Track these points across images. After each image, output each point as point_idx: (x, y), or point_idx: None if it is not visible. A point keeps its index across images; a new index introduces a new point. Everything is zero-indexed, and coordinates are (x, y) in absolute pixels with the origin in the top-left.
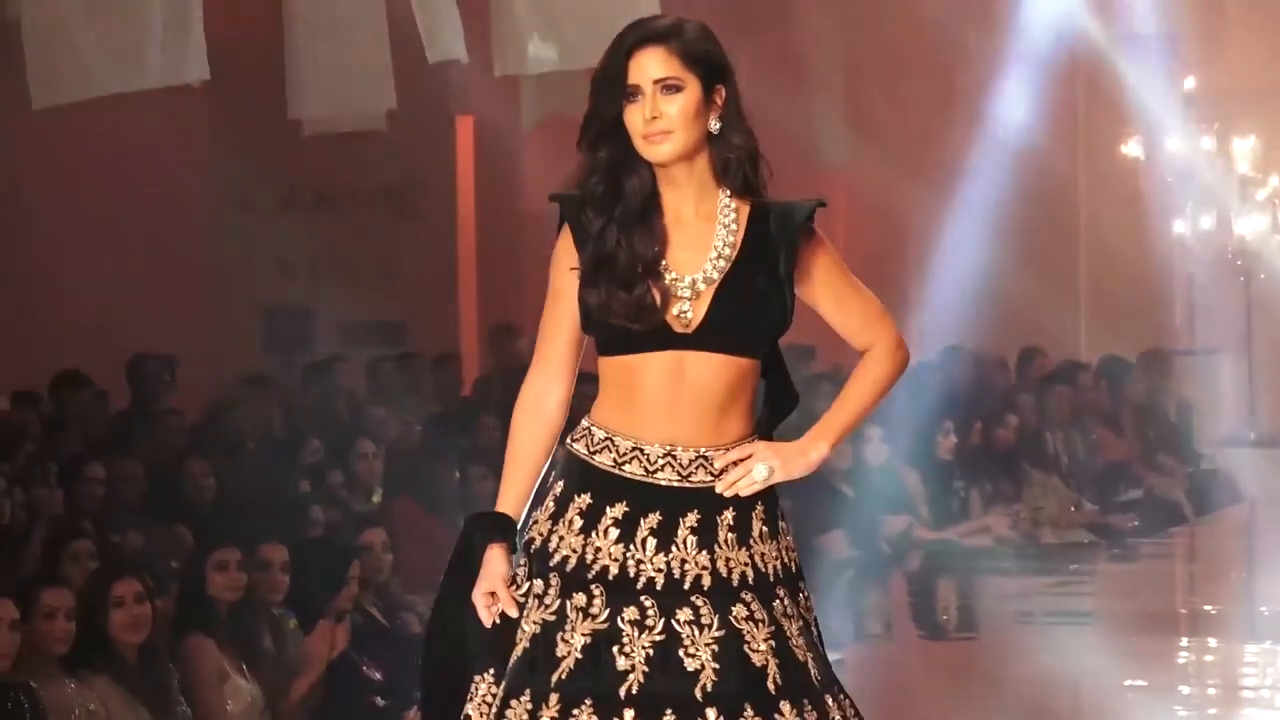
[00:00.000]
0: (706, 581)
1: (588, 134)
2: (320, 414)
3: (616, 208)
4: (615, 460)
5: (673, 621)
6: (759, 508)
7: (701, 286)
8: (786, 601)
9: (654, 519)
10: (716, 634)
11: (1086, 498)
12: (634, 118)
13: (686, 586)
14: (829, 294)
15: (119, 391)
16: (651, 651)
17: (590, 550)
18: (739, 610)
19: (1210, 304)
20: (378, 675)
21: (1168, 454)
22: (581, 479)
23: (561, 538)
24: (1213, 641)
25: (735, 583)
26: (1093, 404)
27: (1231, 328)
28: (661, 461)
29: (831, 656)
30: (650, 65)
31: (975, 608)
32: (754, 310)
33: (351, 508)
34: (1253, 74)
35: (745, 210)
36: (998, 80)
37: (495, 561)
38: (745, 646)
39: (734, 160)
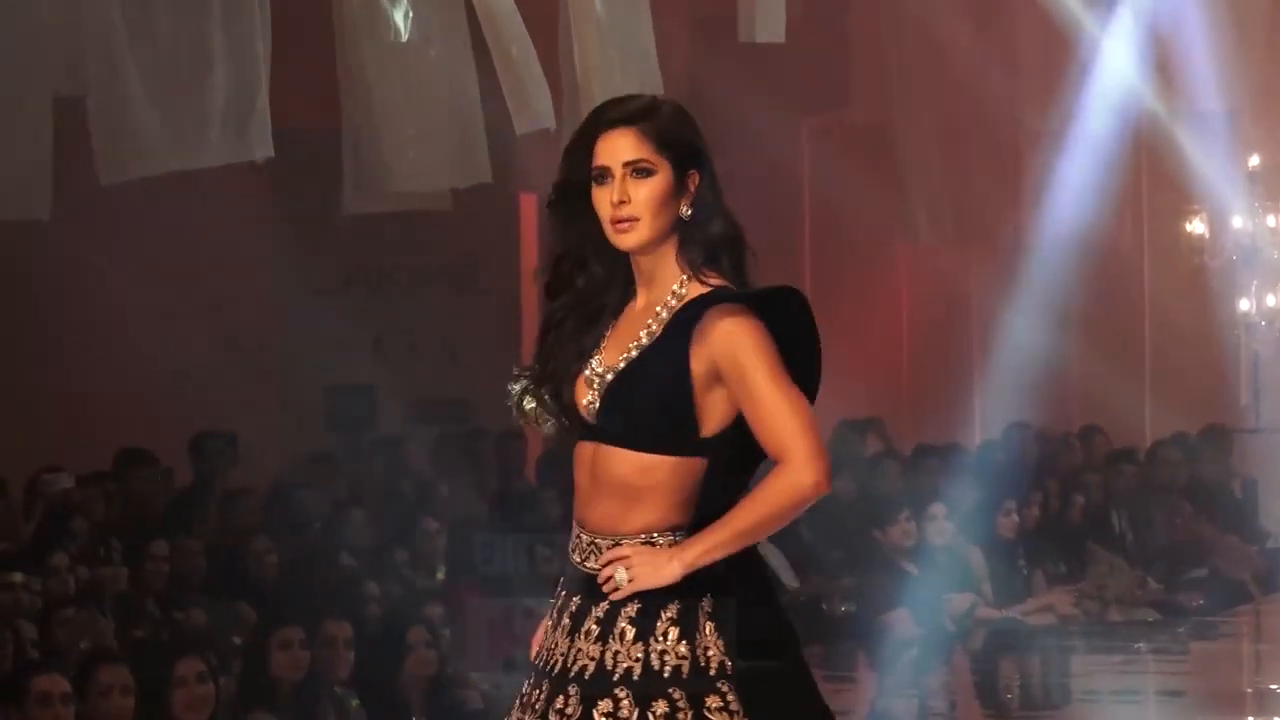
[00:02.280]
0: (556, 668)
1: (559, 210)
2: (384, 492)
3: (575, 307)
4: (569, 543)
5: (550, 710)
6: (629, 606)
7: (609, 378)
8: (626, 704)
9: (563, 599)
10: None
11: (1152, 576)
12: (602, 201)
13: (546, 669)
14: (739, 393)
15: (183, 470)
16: None
17: (547, 640)
18: (559, 702)
19: (1276, 382)
20: None
21: (1233, 532)
22: (562, 567)
23: (548, 630)
24: None
25: (571, 674)
26: (1158, 482)
27: None
28: (575, 543)
29: None
30: (620, 147)
31: (1040, 686)
32: (642, 403)
33: (414, 585)
34: None
35: (692, 296)
36: (1061, 158)
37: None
38: None
39: (696, 246)
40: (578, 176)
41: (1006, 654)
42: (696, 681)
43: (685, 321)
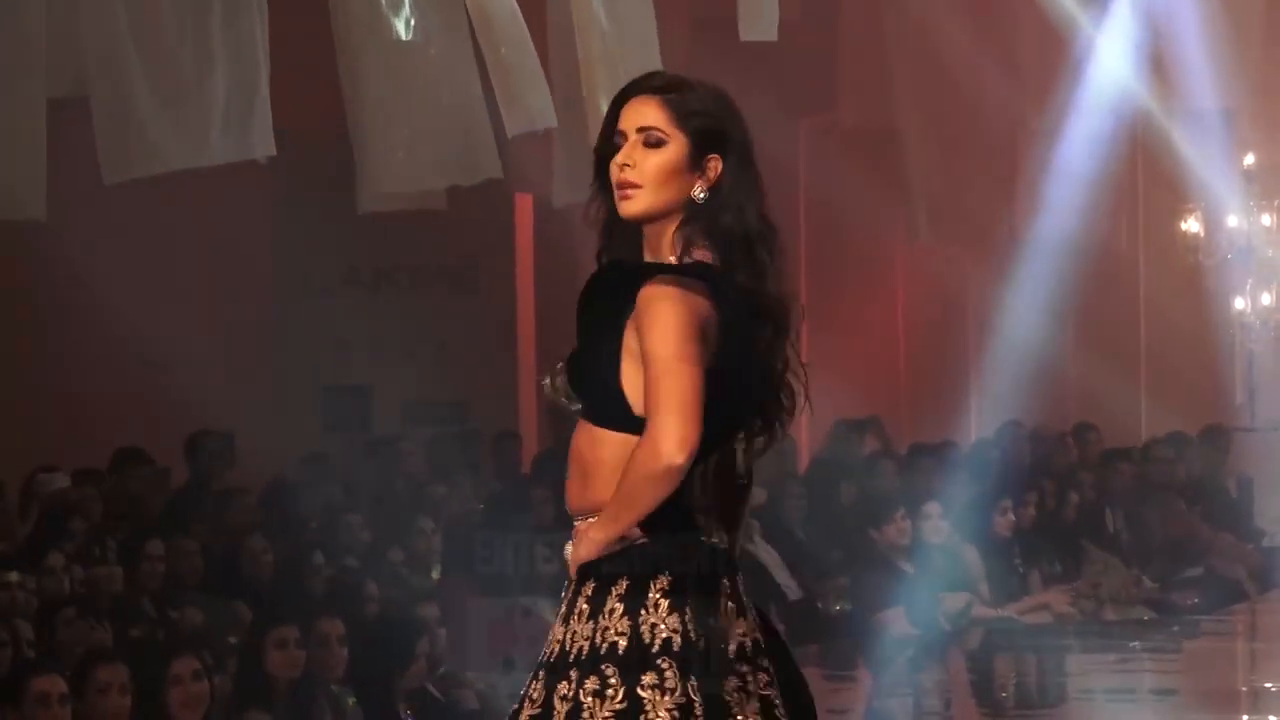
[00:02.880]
0: (555, 654)
1: (600, 177)
2: (380, 492)
3: None
4: None
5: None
6: (587, 585)
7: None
8: (573, 686)
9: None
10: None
11: (1147, 575)
12: (613, 166)
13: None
14: (643, 366)
15: (179, 469)
16: None
17: None
18: (562, 687)
19: (1271, 381)
20: None
21: (1229, 531)
22: None
23: None
24: (1274, 719)
25: (572, 657)
26: (1153, 481)
27: None
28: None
29: None
30: (639, 113)
31: (1035, 685)
32: (588, 377)
33: (410, 585)
34: None
35: None
36: (1057, 157)
37: None
38: None
39: (698, 230)
40: (606, 142)
41: (1002, 653)
42: (634, 659)
43: (624, 295)
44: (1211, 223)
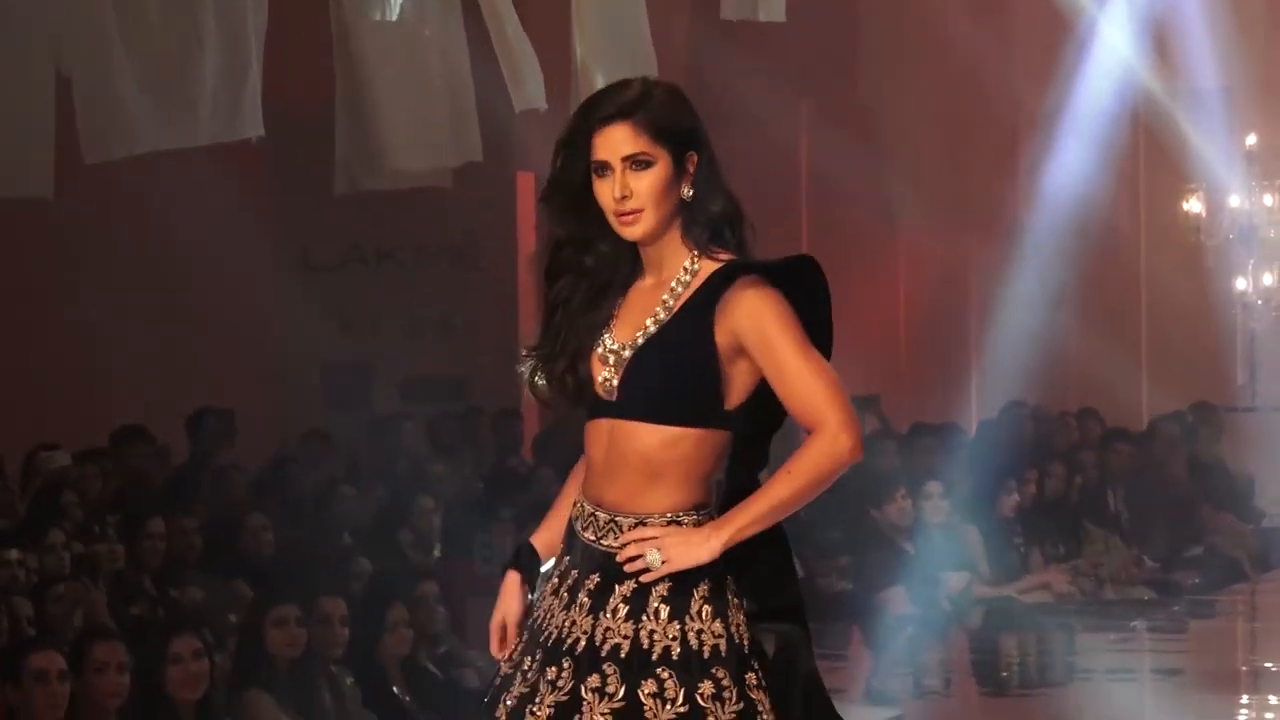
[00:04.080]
0: (580, 646)
1: (554, 201)
2: (381, 470)
3: (580, 285)
4: (575, 519)
5: (541, 680)
6: (662, 584)
7: (626, 354)
8: (670, 685)
9: (573, 576)
10: (561, 699)
11: (1148, 555)
12: (604, 195)
13: (564, 648)
14: (766, 363)
15: (180, 447)
16: (552, 710)
17: (544, 609)
18: (593, 680)
19: (1272, 361)
20: None
21: (1229, 511)
22: (565, 540)
23: (544, 597)
24: (1273, 699)
25: (604, 652)
26: (1154, 461)
27: None
28: (588, 520)
29: (890, 713)
30: (618, 142)
31: (1035, 664)
32: (666, 376)
33: (411, 562)
34: None
35: (706, 272)
36: (1059, 138)
37: (505, 590)
38: (576, 717)
39: (700, 225)
40: (575, 170)
41: (1002, 632)
42: (736, 660)
43: (706, 295)
44: (1213, 203)
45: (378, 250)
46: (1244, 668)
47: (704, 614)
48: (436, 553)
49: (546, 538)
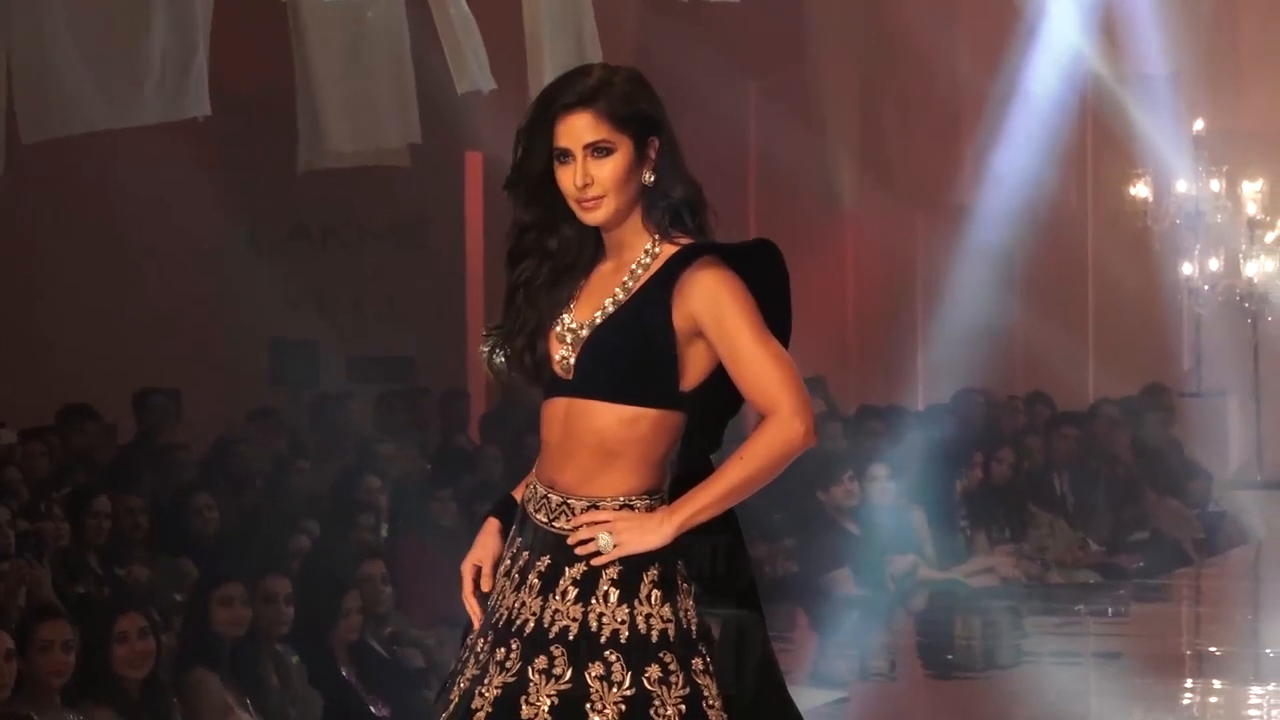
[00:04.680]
0: (530, 627)
1: (517, 186)
2: (326, 448)
3: (543, 267)
4: (528, 501)
5: (490, 661)
6: (612, 568)
7: (584, 333)
8: (618, 668)
9: (524, 558)
10: (508, 680)
11: (1093, 538)
12: (566, 181)
13: (513, 629)
14: (722, 346)
15: (126, 425)
16: (500, 691)
17: (496, 591)
18: (540, 661)
19: (1218, 346)
20: (385, 711)
21: (1174, 496)
22: (517, 522)
23: (497, 579)
24: (1218, 684)
25: (553, 634)
26: (1100, 445)
27: (1239, 370)
28: (540, 502)
29: (835, 695)
30: (579, 129)
31: (980, 647)
32: (622, 356)
33: (356, 542)
34: (1262, 117)
35: (666, 255)
36: (1006, 121)
37: (483, 533)
38: (523, 698)
39: (661, 209)
40: (537, 156)
41: (948, 615)
42: (683, 645)
43: (664, 276)
44: (1160, 188)
45: (324, 228)
46: (1188, 652)
47: (653, 598)
48: (384, 533)
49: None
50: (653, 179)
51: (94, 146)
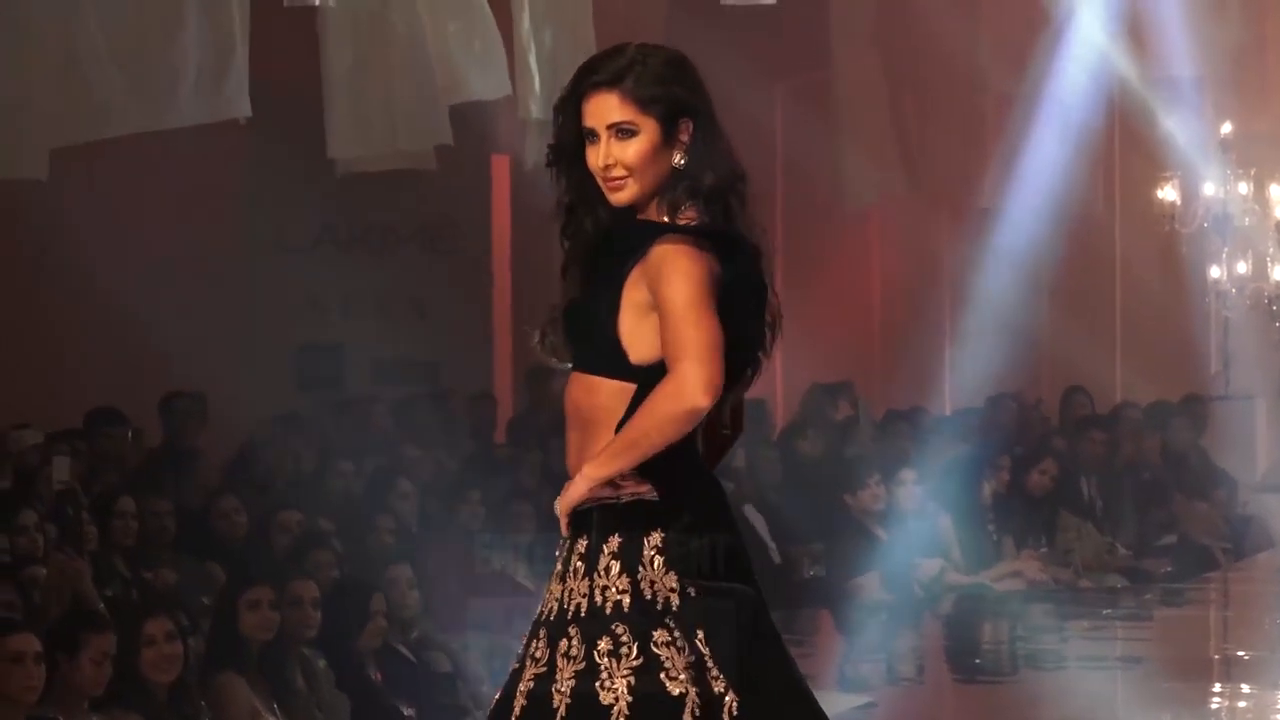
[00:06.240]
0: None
1: (558, 165)
2: (353, 452)
3: (577, 246)
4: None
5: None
6: (580, 542)
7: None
8: (575, 642)
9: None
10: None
11: (1121, 542)
12: (593, 160)
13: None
14: (659, 312)
15: (153, 429)
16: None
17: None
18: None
19: (1246, 349)
20: (410, 712)
21: (1202, 499)
22: None
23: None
24: (1246, 688)
25: (548, 616)
26: (1128, 449)
27: (1267, 373)
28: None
29: (863, 699)
30: (603, 110)
31: (1008, 652)
32: (586, 328)
33: (385, 547)
34: None
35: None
36: (1033, 124)
37: None
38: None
39: (678, 191)
40: (569, 135)
41: (976, 619)
42: (640, 616)
43: (628, 250)
44: (1188, 191)
45: (350, 232)
46: (1216, 656)
47: (610, 570)
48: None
49: None
50: (684, 162)
51: (121, 147)
